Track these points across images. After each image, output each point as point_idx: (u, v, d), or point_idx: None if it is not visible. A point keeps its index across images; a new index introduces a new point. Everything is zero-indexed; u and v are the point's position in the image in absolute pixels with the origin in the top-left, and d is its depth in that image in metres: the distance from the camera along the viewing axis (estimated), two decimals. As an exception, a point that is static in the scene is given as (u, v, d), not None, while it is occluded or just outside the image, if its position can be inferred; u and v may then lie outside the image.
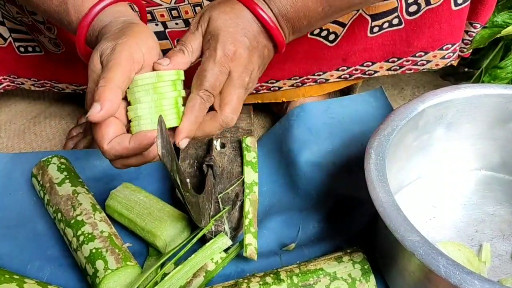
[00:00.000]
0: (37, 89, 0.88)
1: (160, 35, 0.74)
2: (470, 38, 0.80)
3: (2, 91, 0.88)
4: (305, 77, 0.82)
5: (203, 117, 0.55)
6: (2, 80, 0.86)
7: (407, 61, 0.81)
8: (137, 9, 0.63)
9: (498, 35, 0.80)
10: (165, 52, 0.76)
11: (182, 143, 0.53)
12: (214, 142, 0.78)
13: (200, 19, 0.57)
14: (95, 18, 0.56)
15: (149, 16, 0.71)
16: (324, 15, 0.60)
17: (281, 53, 0.61)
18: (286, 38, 0.60)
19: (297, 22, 0.59)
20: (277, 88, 0.84)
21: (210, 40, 0.55)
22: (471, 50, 0.84)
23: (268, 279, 0.60)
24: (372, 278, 0.60)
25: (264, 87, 0.84)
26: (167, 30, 0.74)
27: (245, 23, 0.56)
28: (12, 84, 0.88)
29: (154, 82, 0.52)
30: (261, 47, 0.58)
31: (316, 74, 0.81)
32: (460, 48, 0.83)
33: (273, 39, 0.58)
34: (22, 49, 0.82)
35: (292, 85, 0.84)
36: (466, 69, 1.00)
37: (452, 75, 1.01)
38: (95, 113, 0.48)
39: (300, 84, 0.84)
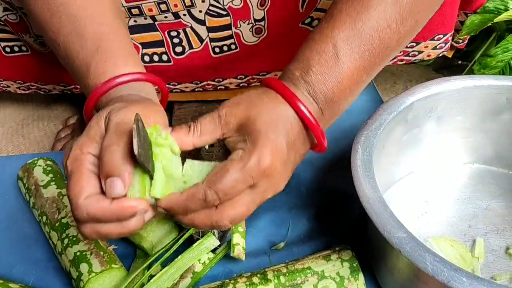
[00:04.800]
0: (23, 92, 0.87)
1: (149, 27, 0.73)
2: (464, 28, 0.78)
3: (-13, 94, 0.87)
4: None
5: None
6: (-13, 83, 0.85)
7: (399, 51, 0.80)
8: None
9: (491, 23, 0.78)
10: (157, 43, 0.75)
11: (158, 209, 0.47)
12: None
13: (229, 111, 0.49)
14: (114, 88, 0.52)
15: (136, 11, 0.70)
16: (365, 81, 0.54)
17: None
18: (324, 127, 0.53)
19: (343, 103, 0.52)
20: None
21: (247, 141, 0.47)
22: (466, 41, 0.83)
23: (255, 279, 0.58)
24: (360, 276, 0.58)
25: (256, 79, 0.83)
26: (156, 23, 0.73)
27: (287, 124, 0.49)
28: (-2, 87, 0.87)
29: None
30: (298, 156, 0.51)
31: None
32: (455, 39, 0.81)
33: (313, 139, 0.52)
34: (8, 49, 0.80)
35: None
36: (459, 62, 0.99)
37: (446, 68, 1.00)
38: (120, 191, 0.43)
39: None
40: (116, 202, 0.44)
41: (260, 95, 0.50)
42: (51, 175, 0.73)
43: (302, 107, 0.49)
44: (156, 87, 0.57)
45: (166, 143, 0.48)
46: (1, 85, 0.86)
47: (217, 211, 0.46)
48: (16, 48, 0.81)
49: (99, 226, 0.45)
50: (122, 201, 0.44)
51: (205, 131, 0.49)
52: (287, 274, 0.59)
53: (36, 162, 0.75)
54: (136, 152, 0.44)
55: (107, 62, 0.53)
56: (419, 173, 0.72)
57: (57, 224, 0.65)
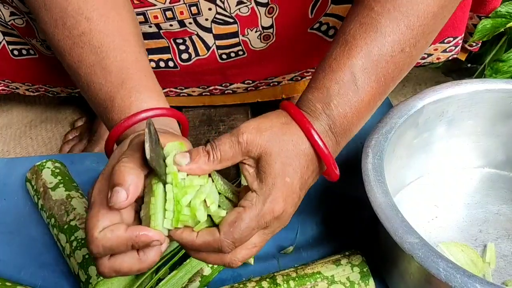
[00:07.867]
0: (31, 94, 0.87)
1: (154, 35, 0.73)
2: (477, 32, 0.78)
3: (-3, 95, 0.87)
4: (304, 71, 0.81)
5: None
6: (-3, 84, 0.85)
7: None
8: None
9: (503, 29, 0.77)
10: (163, 50, 0.76)
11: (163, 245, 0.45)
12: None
13: (250, 139, 0.47)
14: (139, 122, 0.51)
15: (141, 18, 0.69)
16: (378, 106, 0.54)
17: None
18: (335, 154, 0.53)
19: (357, 130, 0.53)
20: (276, 83, 0.83)
21: (263, 182, 0.47)
22: (480, 45, 0.82)
23: (264, 284, 0.58)
24: (371, 281, 0.58)
25: (263, 84, 0.83)
26: (161, 31, 0.72)
27: (303, 164, 0.48)
28: (7, 88, 0.87)
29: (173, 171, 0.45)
30: (305, 191, 0.51)
31: (315, 68, 0.79)
32: (469, 43, 0.81)
33: (324, 169, 0.52)
34: (16, 52, 0.80)
35: (292, 79, 0.82)
36: (469, 65, 0.98)
37: (455, 71, 0.99)
38: (121, 201, 0.42)
39: (300, 78, 0.82)
40: (130, 229, 0.43)
41: (283, 127, 0.49)
42: (59, 177, 0.73)
43: (321, 143, 0.48)
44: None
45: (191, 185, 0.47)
46: (10, 87, 0.86)
47: (231, 254, 0.47)
48: (24, 51, 0.81)
49: (117, 262, 0.44)
50: (137, 229, 0.43)
51: (225, 158, 0.48)
52: (297, 279, 0.58)
53: (44, 164, 0.75)
54: (148, 156, 0.44)
55: (132, 98, 0.53)
56: (430, 177, 0.72)
57: (65, 227, 0.65)
